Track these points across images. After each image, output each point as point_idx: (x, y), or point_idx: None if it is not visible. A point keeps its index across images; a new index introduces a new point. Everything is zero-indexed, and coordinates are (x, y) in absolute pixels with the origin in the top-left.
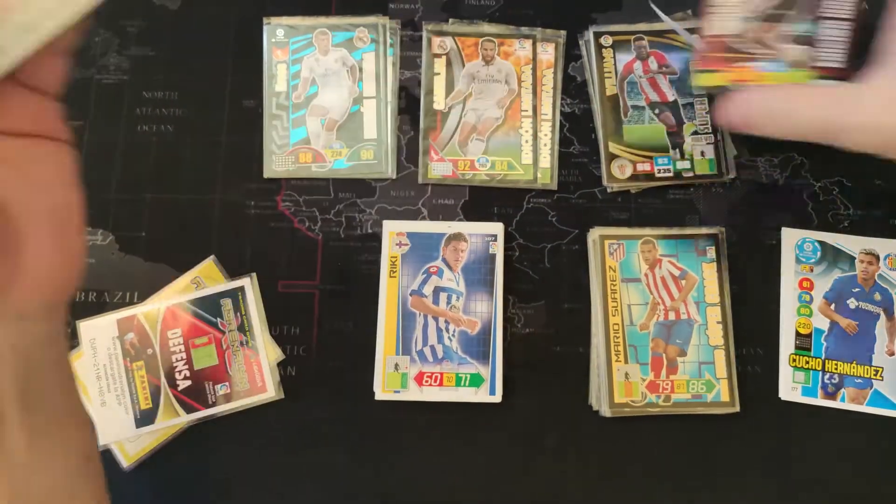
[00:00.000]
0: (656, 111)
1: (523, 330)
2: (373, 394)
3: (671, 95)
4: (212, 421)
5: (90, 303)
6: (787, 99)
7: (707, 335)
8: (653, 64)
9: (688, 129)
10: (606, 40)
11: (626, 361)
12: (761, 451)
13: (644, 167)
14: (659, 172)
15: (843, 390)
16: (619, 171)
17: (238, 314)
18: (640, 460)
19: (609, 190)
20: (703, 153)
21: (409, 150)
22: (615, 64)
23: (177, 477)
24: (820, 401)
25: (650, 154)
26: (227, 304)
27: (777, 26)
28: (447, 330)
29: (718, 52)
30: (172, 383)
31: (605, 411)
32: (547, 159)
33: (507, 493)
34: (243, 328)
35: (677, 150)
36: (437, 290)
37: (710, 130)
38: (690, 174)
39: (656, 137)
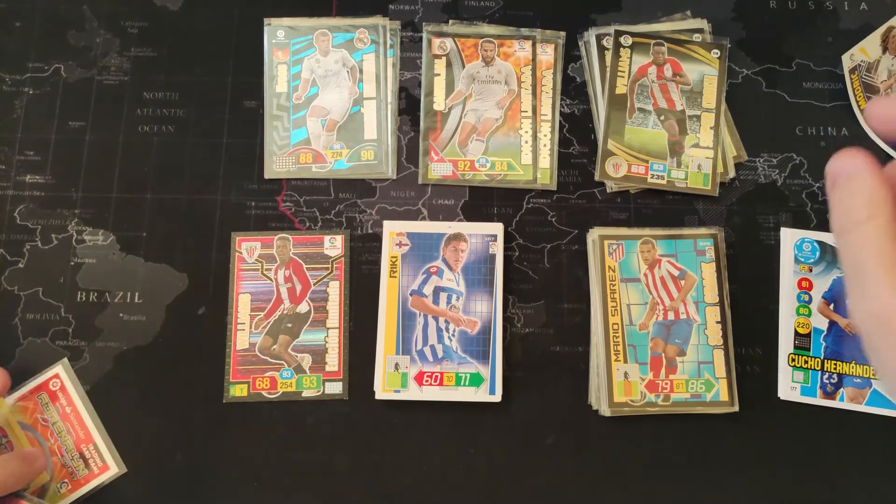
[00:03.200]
0: (662, 117)
1: (523, 330)
2: (373, 393)
3: (679, 105)
4: (207, 423)
5: (91, 303)
6: None
7: (706, 335)
8: (668, 71)
9: (689, 141)
10: (626, 40)
11: (625, 361)
12: (760, 451)
13: (638, 169)
14: (652, 177)
15: (841, 390)
16: (614, 168)
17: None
18: (640, 460)
19: (609, 190)
20: (699, 167)
21: (409, 151)
22: (630, 64)
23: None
24: (819, 400)
25: (647, 158)
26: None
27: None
28: (447, 330)
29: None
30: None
31: (605, 411)
32: (546, 160)
33: (507, 492)
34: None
35: (675, 159)
36: (437, 290)
37: (711, 146)
38: (683, 185)
39: (656, 143)
